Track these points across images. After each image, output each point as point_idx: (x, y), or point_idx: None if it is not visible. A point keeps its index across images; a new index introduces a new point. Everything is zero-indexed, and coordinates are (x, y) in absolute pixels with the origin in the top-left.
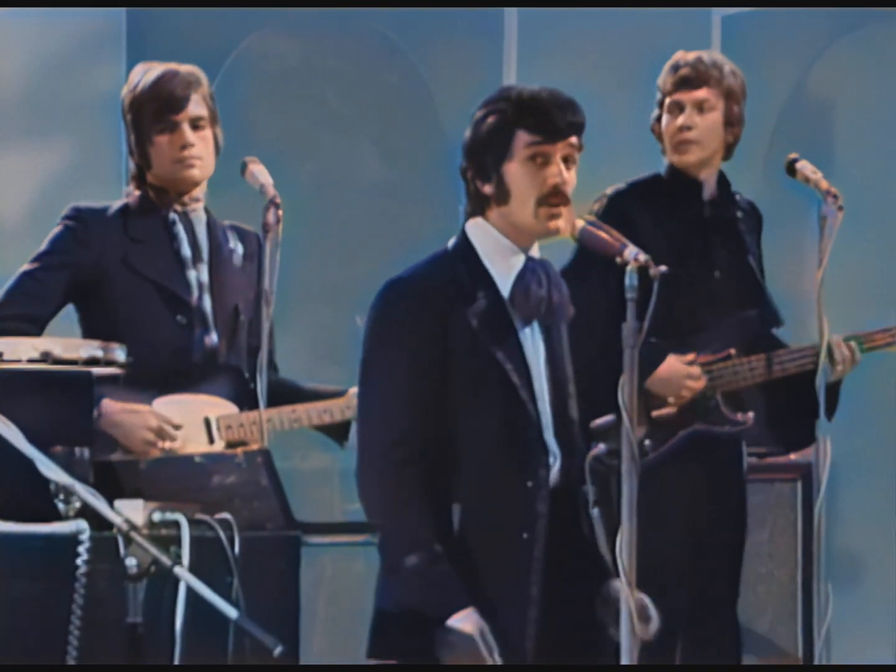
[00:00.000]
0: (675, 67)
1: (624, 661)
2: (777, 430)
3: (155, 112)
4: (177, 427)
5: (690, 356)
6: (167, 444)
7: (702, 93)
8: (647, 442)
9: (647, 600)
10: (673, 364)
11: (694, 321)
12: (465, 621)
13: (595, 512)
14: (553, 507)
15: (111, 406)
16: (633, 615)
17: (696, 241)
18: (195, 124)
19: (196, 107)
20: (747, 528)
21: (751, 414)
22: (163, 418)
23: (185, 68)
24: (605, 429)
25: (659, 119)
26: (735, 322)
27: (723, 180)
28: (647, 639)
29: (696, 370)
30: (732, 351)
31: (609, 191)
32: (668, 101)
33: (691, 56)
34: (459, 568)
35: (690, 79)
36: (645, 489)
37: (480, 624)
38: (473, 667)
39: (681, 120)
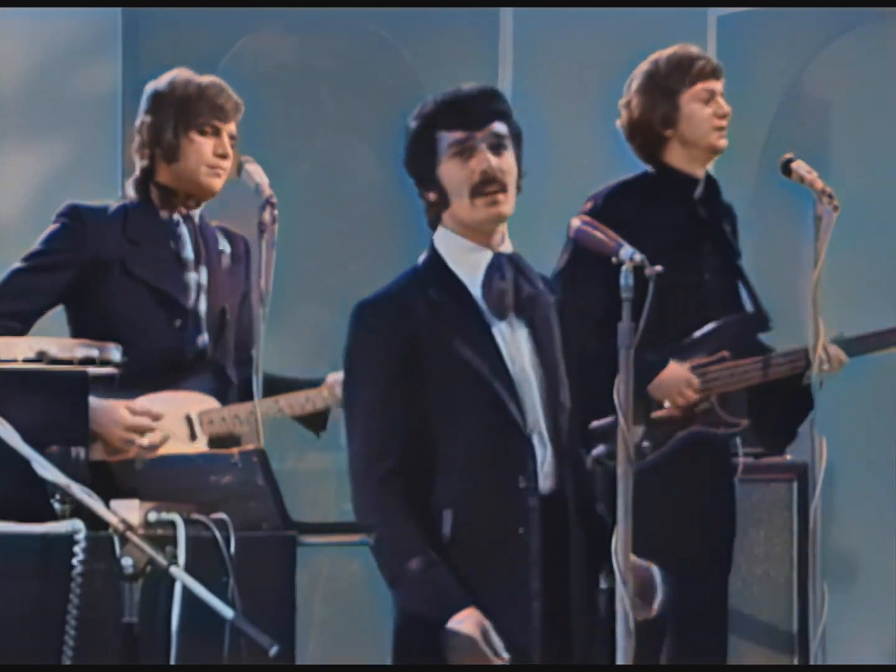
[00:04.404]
0: (690, 59)
1: (619, 660)
2: (759, 431)
3: (204, 113)
4: (156, 418)
5: (691, 364)
6: (146, 441)
7: (722, 84)
8: (645, 443)
9: (655, 573)
10: (674, 370)
11: (686, 323)
12: (465, 622)
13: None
14: (546, 497)
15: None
16: (630, 612)
17: (688, 241)
18: (230, 142)
19: (234, 127)
20: (736, 530)
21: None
22: (141, 410)
23: (229, 87)
24: (604, 430)
25: (668, 116)
26: (727, 325)
27: (710, 178)
28: (650, 616)
29: (695, 380)
30: (726, 353)
31: (600, 189)
32: (697, 88)
33: (693, 49)
34: (457, 572)
35: (716, 69)
36: (643, 490)
37: (482, 623)
38: (475, 667)
39: (726, 107)
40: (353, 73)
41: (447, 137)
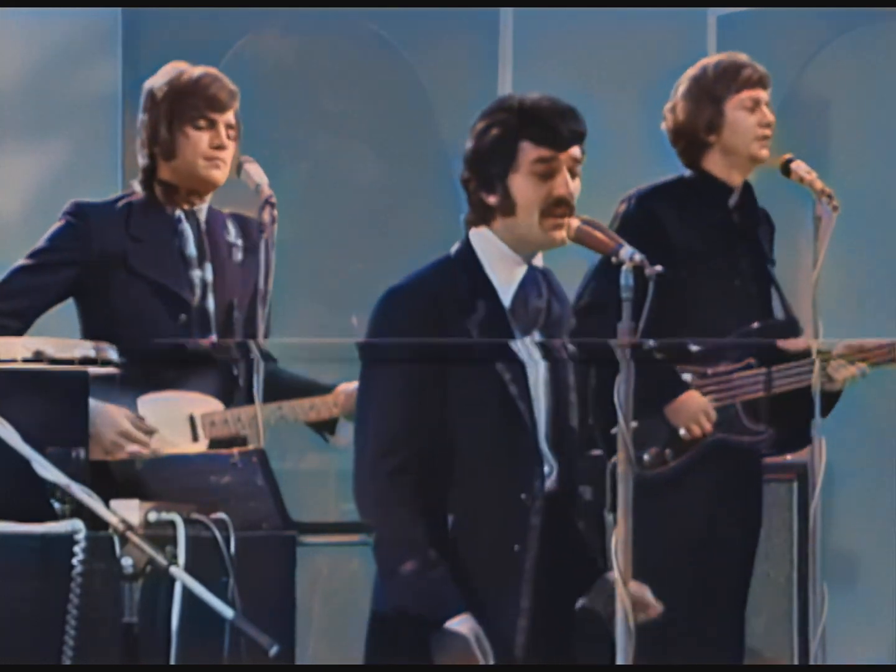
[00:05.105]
0: (737, 67)
1: (619, 660)
2: (788, 431)
3: (197, 106)
4: (150, 432)
5: (716, 369)
6: (136, 448)
7: (768, 93)
8: (667, 451)
9: (645, 590)
10: (693, 397)
11: (714, 329)
12: (460, 624)
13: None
14: (546, 517)
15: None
16: (629, 612)
17: (720, 247)
18: (227, 133)
19: (231, 116)
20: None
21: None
22: (134, 421)
23: (224, 76)
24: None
25: (712, 122)
26: (755, 331)
27: (747, 186)
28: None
29: (712, 411)
30: (752, 360)
31: (633, 192)
32: (742, 96)
33: (741, 57)
34: (451, 576)
35: (763, 78)
36: (665, 496)
37: (475, 628)
38: (473, 667)
39: (770, 117)
40: (352, 74)
41: (531, 151)
